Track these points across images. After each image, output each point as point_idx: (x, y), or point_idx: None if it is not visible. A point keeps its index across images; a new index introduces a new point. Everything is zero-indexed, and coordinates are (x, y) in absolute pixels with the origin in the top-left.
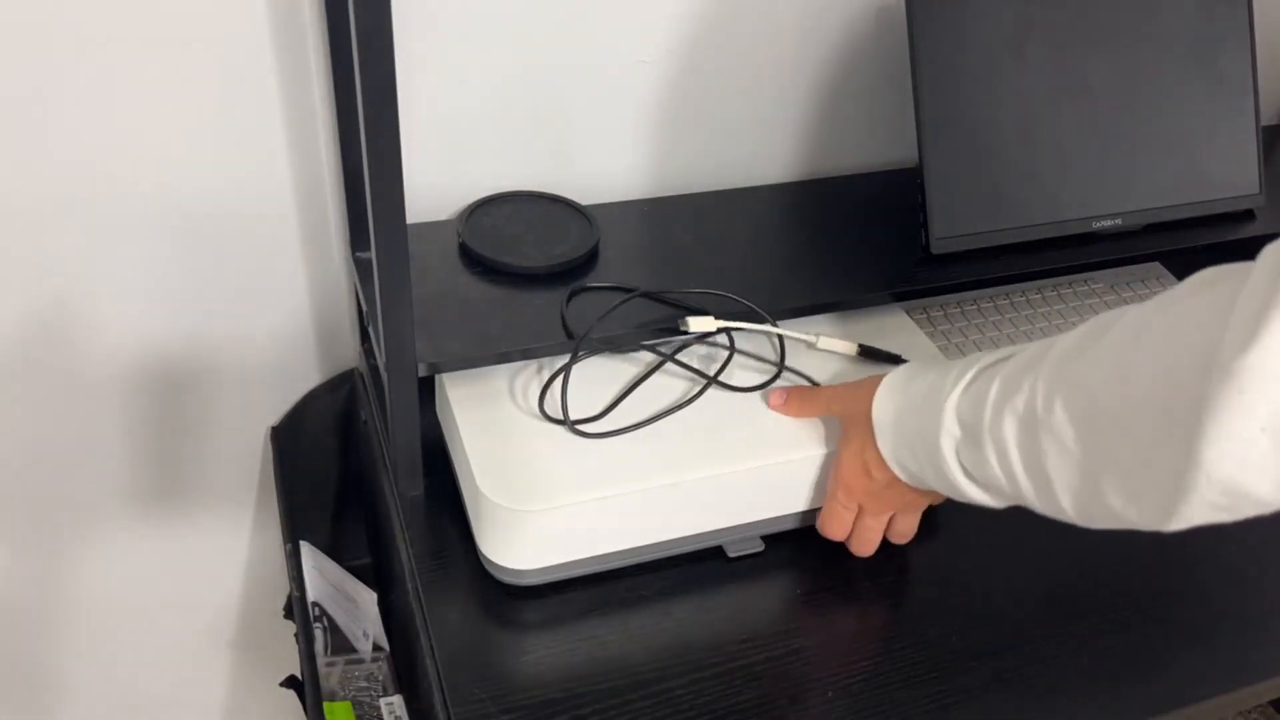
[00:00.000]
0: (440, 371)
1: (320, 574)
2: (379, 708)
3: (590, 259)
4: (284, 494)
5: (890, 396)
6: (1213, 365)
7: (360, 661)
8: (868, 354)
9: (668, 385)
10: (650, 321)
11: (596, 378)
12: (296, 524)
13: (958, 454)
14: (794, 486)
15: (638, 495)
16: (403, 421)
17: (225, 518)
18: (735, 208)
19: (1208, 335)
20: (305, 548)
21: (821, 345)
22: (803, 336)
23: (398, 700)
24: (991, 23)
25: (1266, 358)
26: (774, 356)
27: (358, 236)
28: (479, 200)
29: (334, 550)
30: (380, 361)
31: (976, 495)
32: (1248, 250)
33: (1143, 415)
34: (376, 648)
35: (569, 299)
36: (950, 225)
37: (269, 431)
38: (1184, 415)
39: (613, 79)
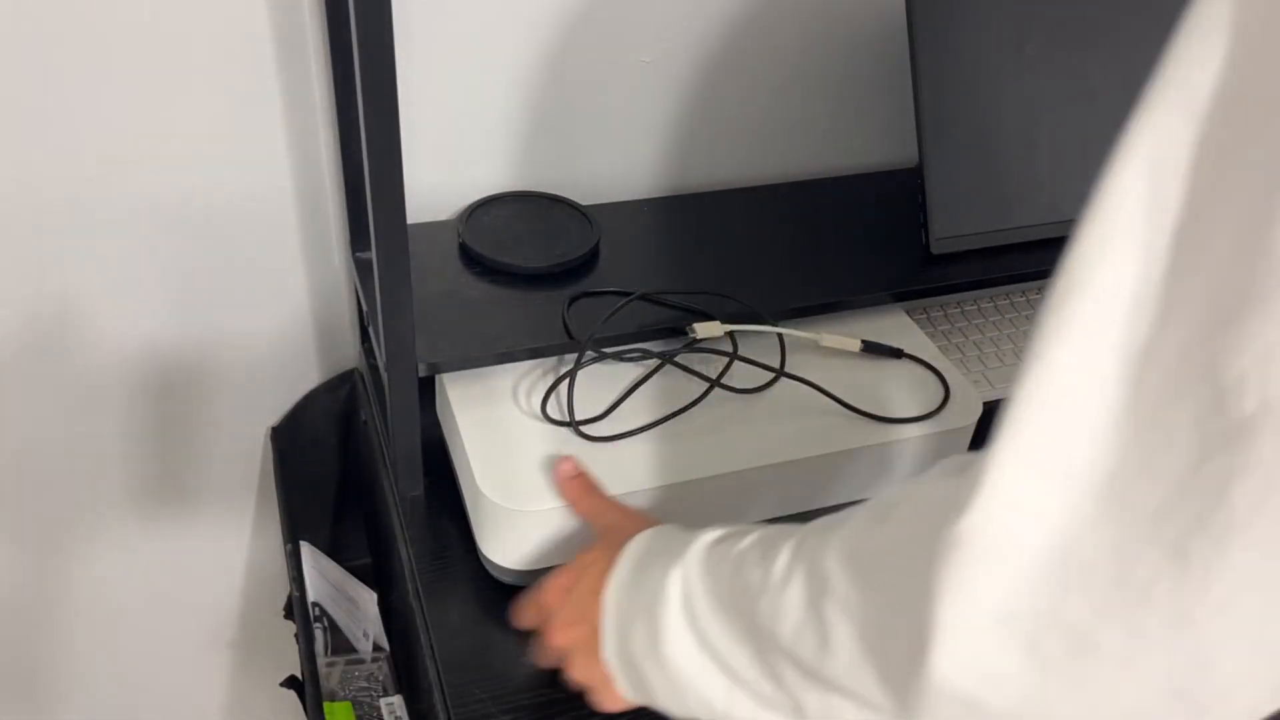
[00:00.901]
0: (440, 372)
1: (320, 574)
2: (379, 708)
3: (590, 259)
4: (284, 494)
5: (651, 539)
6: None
7: (360, 662)
8: (871, 349)
9: (669, 386)
10: (653, 324)
11: (597, 379)
12: (296, 524)
13: (686, 600)
14: (796, 486)
15: (638, 497)
16: (403, 421)
17: (225, 518)
18: (735, 208)
19: (943, 512)
20: (305, 548)
21: (825, 343)
22: (806, 335)
23: (398, 700)
24: (992, 23)
25: (988, 523)
26: (776, 356)
27: (358, 236)
28: (479, 200)
29: (334, 550)
30: (380, 361)
31: (684, 662)
32: None
33: (873, 605)
34: (376, 648)
35: (569, 304)
36: (950, 225)
37: (269, 431)
38: (912, 606)
39: (612, 79)
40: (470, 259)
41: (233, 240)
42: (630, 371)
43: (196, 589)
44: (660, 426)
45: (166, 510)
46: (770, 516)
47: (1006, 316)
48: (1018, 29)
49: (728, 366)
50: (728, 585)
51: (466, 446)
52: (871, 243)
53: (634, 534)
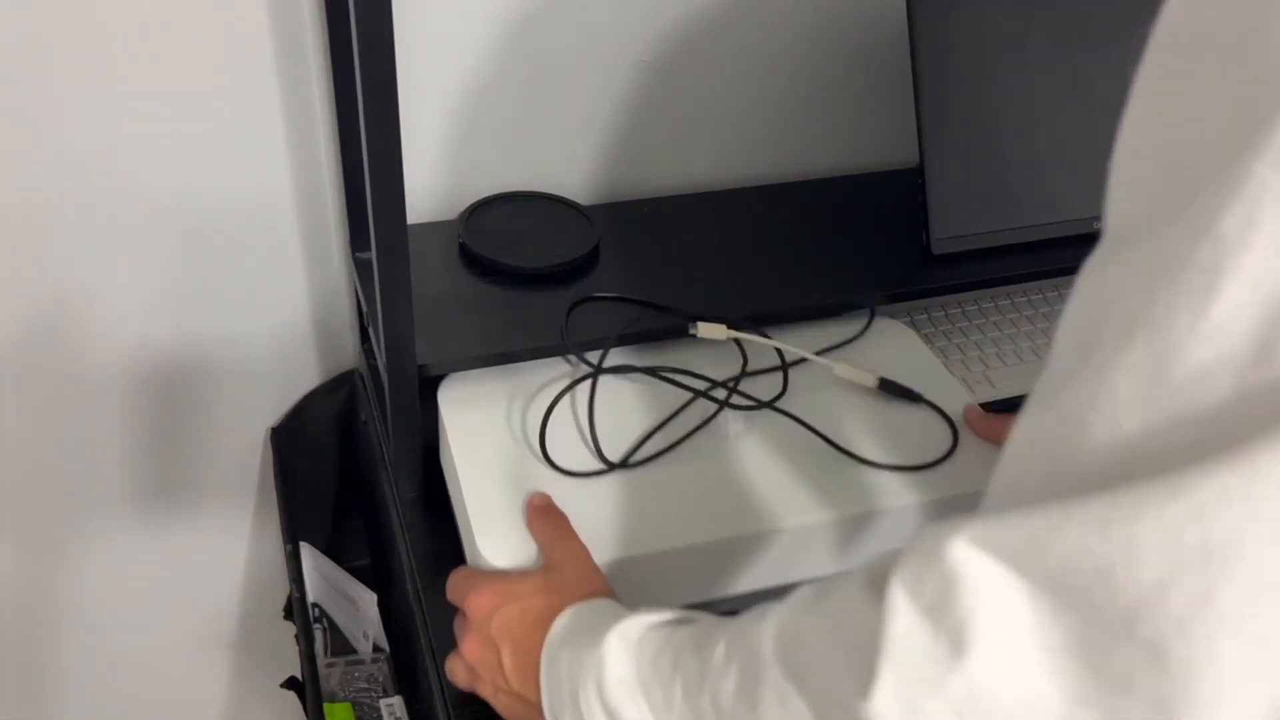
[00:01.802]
0: (440, 372)
1: (320, 575)
2: (379, 709)
3: (590, 259)
4: (284, 494)
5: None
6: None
7: (360, 662)
8: (888, 388)
9: (667, 405)
10: (656, 331)
11: (602, 403)
12: (296, 524)
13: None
14: (823, 546)
15: (656, 559)
16: (403, 422)
17: (225, 518)
18: (735, 208)
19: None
20: (305, 548)
21: (839, 373)
22: (821, 360)
23: (398, 701)
24: (991, 23)
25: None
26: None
27: (358, 237)
28: (479, 200)
29: (334, 551)
30: (380, 362)
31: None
32: None
33: (805, 689)
34: (376, 649)
35: (569, 311)
36: (950, 225)
37: (269, 432)
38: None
39: (613, 79)
40: (470, 259)
41: (233, 240)
42: (632, 394)
43: (196, 589)
44: (674, 472)
45: (166, 510)
46: (795, 578)
47: (1007, 317)
48: (1018, 29)
49: (740, 376)
50: (659, 674)
51: (469, 504)
52: (871, 243)
53: (574, 583)
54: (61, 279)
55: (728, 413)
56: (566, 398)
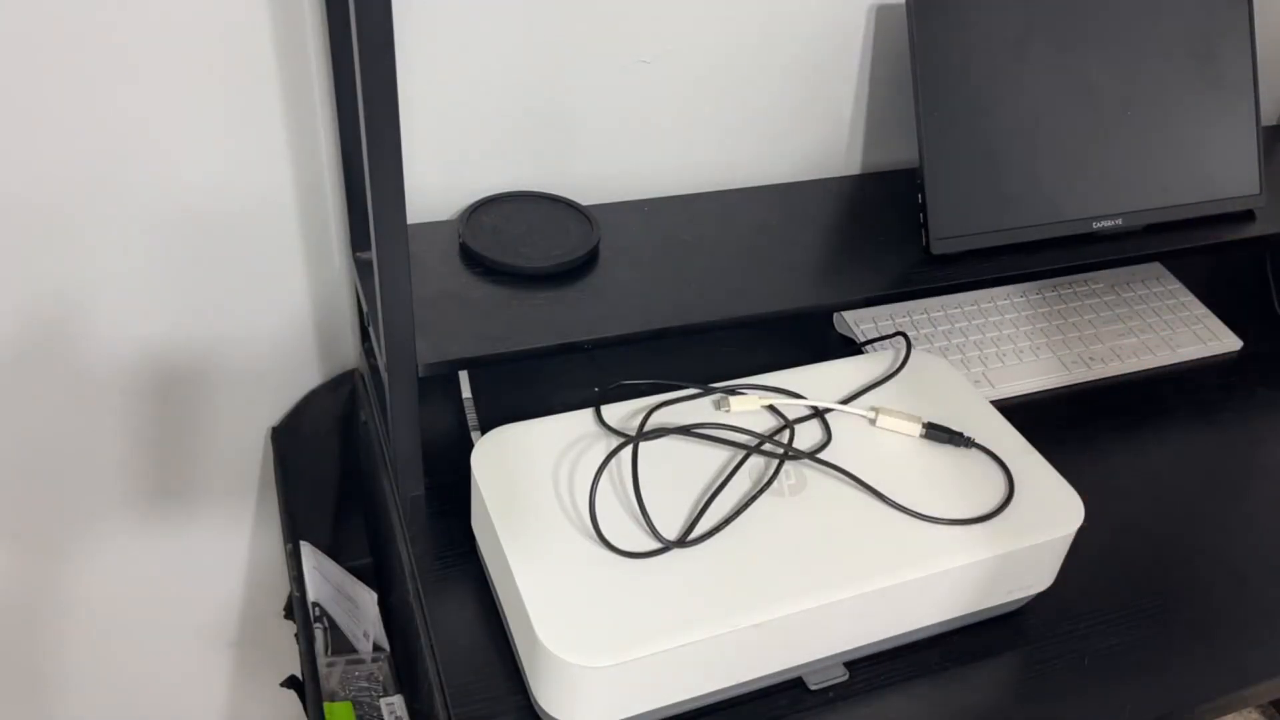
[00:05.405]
0: (439, 372)
1: (320, 574)
2: (379, 708)
3: (590, 259)
4: (284, 494)
5: None
6: None
7: (360, 662)
8: (933, 435)
9: (729, 474)
10: (695, 425)
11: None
12: (296, 524)
13: None
14: (889, 610)
15: (719, 639)
16: (403, 421)
17: (225, 518)
18: (735, 208)
19: None
20: (305, 548)
21: (881, 424)
22: (860, 413)
23: (398, 700)
24: (992, 23)
25: None
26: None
27: (358, 236)
28: (479, 200)
29: (334, 550)
30: (380, 361)
31: None
32: (1248, 251)
33: None
34: (377, 648)
35: (599, 404)
36: (950, 225)
37: (269, 431)
38: None
39: (612, 79)
40: (470, 259)
41: (233, 240)
42: (668, 451)
43: (197, 589)
44: (731, 545)
45: (166, 510)
46: (859, 644)
47: (1006, 316)
48: (1018, 29)
49: (783, 433)
50: None
51: (525, 595)
52: (871, 243)
53: None
54: (62, 279)
55: (769, 471)
56: (601, 460)
